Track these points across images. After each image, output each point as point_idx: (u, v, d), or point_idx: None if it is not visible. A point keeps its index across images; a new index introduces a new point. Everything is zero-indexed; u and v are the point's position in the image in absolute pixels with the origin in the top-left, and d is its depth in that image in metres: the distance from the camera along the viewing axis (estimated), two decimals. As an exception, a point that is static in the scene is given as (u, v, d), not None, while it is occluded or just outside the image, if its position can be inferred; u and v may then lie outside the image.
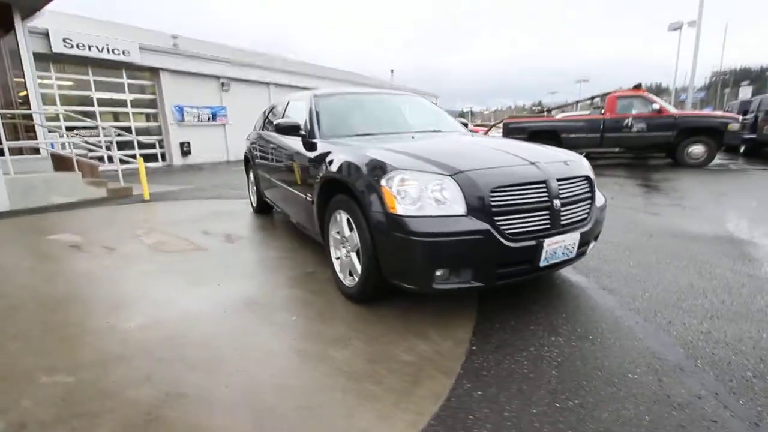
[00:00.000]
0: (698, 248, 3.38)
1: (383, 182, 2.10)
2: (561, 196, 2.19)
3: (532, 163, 2.27)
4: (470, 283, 2.05)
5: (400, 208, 2.02)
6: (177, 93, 15.49)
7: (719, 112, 9.88)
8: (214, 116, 17.10)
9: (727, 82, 47.83)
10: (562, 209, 2.20)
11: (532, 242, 2.07)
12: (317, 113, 3.28)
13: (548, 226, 2.15)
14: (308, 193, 3.00)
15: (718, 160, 10.29)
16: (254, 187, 5.11)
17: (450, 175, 2.07)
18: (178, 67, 15.24)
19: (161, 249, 3.75)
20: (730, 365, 1.78)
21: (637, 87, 9.59)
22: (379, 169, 2.18)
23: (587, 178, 2.42)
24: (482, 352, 1.95)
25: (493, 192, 2.03)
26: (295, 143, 3.36)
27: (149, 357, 1.96)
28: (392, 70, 32.13)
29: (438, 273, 2.00)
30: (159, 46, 14.67)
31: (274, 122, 3.39)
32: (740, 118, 8.95)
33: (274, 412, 1.57)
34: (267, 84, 19.23)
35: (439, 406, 1.60)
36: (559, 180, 2.21)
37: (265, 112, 5.12)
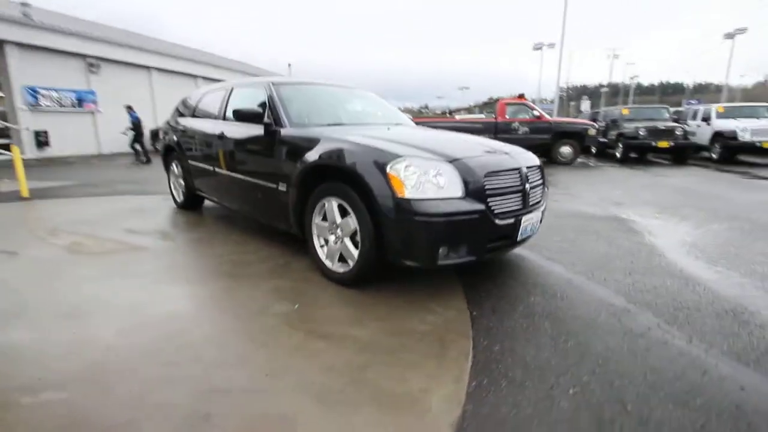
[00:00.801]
0: (598, 225, 4.22)
1: (389, 169, 2.23)
2: (529, 180, 2.60)
3: (506, 153, 2.63)
4: (466, 257, 2.31)
5: (408, 193, 2.18)
6: (29, 72, 12.78)
7: (582, 120, 12.07)
8: (79, 102, 14.55)
9: (571, 96, 58.14)
10: (530, 192, 2.61)
11: (512, 220, 2.43)
12: (281, 101, 3.19)
13: (521, 206, 2.53)
14: (279, 183, 2.93)
15: (579, 159, 12.56)
16: (181, 181, 4.64)
17: (449, 162, 2.30)
18: (31, 41, 12.60)
19: (84, 251, 3.22)
20: (658, 305, 2.37)
21: (521, 96, 11.16)
22: (383, 156, 2.29)
23: (540, 166, 2.89)
24: (483, 316, 2.22)
25: (487, 176, 2.32)
26: (252, 131, 3.22)
27: (156, 364, 1.77)
28: (290, 65, 31.21)
29: (441, 250, 2.22)
30: (2, 13, 11.90)
31: (233, 109, 3.19)
32: (596, 125, 11.10)
33: (334, 392, 1.61)
34: (148, 68, 17.03)
35: (471, 361, 1.81)
36: (527, 167, 2.61)
37: (188, 99, 4.70)
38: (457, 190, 2.25)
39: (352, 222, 2.43)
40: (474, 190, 2.27)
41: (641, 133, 10.78)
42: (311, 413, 1.48)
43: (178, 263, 3.00)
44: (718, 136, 10.81)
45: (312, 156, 2.63)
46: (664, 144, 10.56)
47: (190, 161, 4.28)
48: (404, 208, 2.17)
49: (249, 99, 3.71)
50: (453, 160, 2.31)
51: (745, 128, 10.15)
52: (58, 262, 2.96)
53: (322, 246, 2.74)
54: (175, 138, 4.57)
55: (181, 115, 4.63)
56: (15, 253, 3.14)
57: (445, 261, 2.25)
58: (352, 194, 2.39)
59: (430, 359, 1.82)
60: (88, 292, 2.46)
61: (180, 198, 4.78)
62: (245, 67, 25.21)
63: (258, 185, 3.19)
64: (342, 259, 2.59)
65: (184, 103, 4.82)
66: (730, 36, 24.31)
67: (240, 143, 3.42)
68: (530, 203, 2.60)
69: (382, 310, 2.30)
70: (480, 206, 2.26)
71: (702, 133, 11.32)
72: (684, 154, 10.77)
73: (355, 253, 2.46)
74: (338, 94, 3.81)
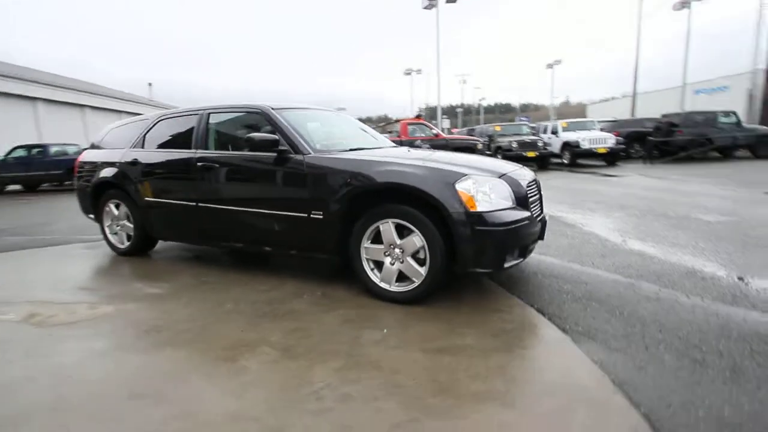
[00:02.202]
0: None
1: (458, 186, 2.43)
2: (539, 190, 3.09)
3: (521, 167, 3.07)
4: (519, 259, 2.64)
5: (479, 207, 2.42)
6: None
7: (470, 137, 13.81)
8: None
9: (431, 115, 65.48)
10: (540, 199, 3.09)
11: (540, 223, 2.86)
12: (292, 127, 3.08)
13: (540, 211, 2.99)
14: (312, 211, 2.84)
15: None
16: (126, 223, 3.94)
17: (499, 177, 2.61)
18: None
19: (49, 323, 2.54)
20: (645, 276, 3.06)
21: (418, 116, 12.28)
22: (449, 175, 2.49)
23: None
24: (544, 308, 2.56)
25: (527, 187, 2.70)
26: (259, 159, 3.05)
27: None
28: (150, 84, 27.79)
29: (508, 255, 2.51)
30: None
31: (246, 136, 2.94)
32: (482, 140, 12.88)
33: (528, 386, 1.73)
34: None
35: (573, 341, 2.13)
36: (535, 179, 3.10)
37: (122, 128, 4.07)
38: (510, 200, 2.57)
39: (417, 240, 2.53)
40: (520, 200, 2.63)
41: (514, 145, 12.89)
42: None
43: (206, 315, 2.62)
44: (566, 145, 13.61)
45: (363, 181, 2.65)
46: (531, 153, 12.81)
47: (148, 198, 3.68)
48: (477, 221, 2.40)
49: (238, 125, 3.47)
50: (501, 175, 2.64)
51: (584, 138, 13.03)
52: (31, 342, 2.29)
53: (372, 269, 2.75)
54: (115, 174, 3.88)
55: (126, 146, 3.94)
56: None
57: (508, 263, 2.54)
58: (416, 214, 2.51)
59: (544, 345, 2.08)
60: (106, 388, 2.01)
61: (123, 243, 4.03)
62: (101, 89, 21.75)
63: (276, 215, 3.00)
64: (401, 278, 2.66)
65: (114, 134, 4.14)
66: (550, 66, 30.99)
67: (243, 173, 3.18)
68: (542, 209, 3.09)
69: (458, 319, 2.45)
70: (527, 213, 2.62)
71: (555, 144, 14.10)
72: (545, 160, 13.23)
73: (421, 269, 2.56)
74: (332, 118, 3.81)
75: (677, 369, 1.87)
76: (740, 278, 2.94)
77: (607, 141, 13.00)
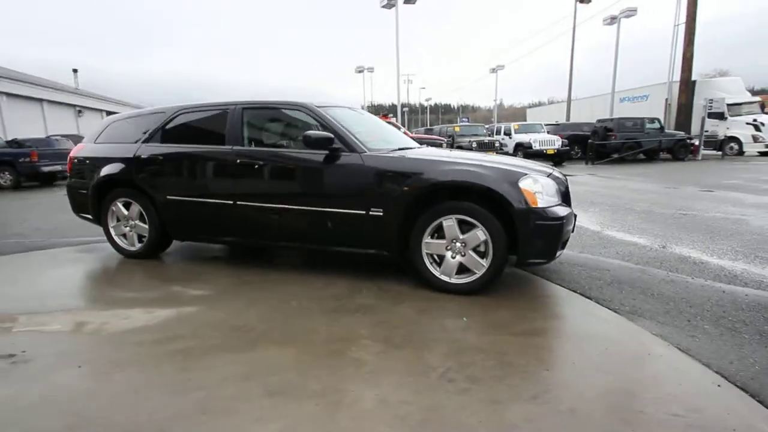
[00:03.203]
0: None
1: (522, 184, 2.68)
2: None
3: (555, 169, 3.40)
4: (562, 249, 2.95)
5: (540, 203, 2.68)
6: None
7: (434, 136, 14.28)
8: None
9: (376, 113, 66.14)
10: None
11: (574, 219, 3.21)
12: (342, 126, 3.12)
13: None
14: (371, 208, 2.92)
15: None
16: (139, 223, 3.69)
17: (548, 176, 2.90)
18: None
19: (110, 330, 2.39)
20: (650, 262, 3.55)
21: (386, 115, 12.47)
22: (512, 174, 2.72)
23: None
24: (586, 293, 2.90)
25: (565, 186, 3.02)
26: (310, 157, 3.07)
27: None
28: (75, 70, 24.91)
29: (558, 246, 2.80)
30: None
31: (304, 134, 2.93)
32: (445, 140, 13.40)
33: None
34: None
35: (627, 319, 2.47)
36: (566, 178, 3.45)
37: (133, 121, 3.80)
38: (557, 197, 2.87)
39: (481, 234, 2.74)
40: (564, 196, 2.95)
41: (474, 145, 13.61)
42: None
43: (277, 313, 2.60)
44: (519, 146, 14.64)
45: (430, 179, 2.79)
46: (490, 153, 13.63)
47: (170, 197, 3.49)
48: (538, 216, 2.66)
49: (276, 121, 3.44)
50: (548, 174, 2.93)
51: (535, 140, 14.12)
52: (116, 352, 2.15)
53: (431, 263, 2.91)
54: (126, 170, 3.61)
55: (139, 140, 3.67)
56: (16, 361, 2.08)
57: (557, 255, 2.84)
58: (480, 210, 2.71)
59: (606, 324, 2.40)
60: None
61: (134, 245, 3.77)
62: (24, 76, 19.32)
63: (329, 213, 3.04)
64: (461, 270, 2.85)
65: (117, 128, 3.85)
66: (494, 70, 32.87)
67: (291, 171, 3.16)
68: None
69: (522, 306, 2.71)
70: (570, 209, 2.94)
71: (509, 144, 15.09)
72: (502, 160, 14.15)
73: (484, 262, 2.78)
74: (363, 116, 3.86)
75: (719, 335, 2.27)
76: (724, 261, 3.53)
77: (555, 143, 14.20)
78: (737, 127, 15.84)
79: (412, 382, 1.84)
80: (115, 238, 3.83)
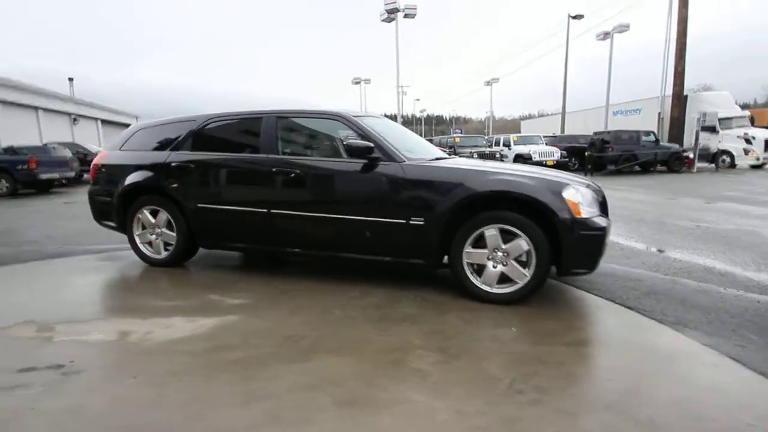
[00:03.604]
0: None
1: (565, 194, 2.71)
2: (598, 197, 3.48)
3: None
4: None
5: (583, 213, 2.71)
6: None
7: (438, 147, 14.39)
8: None
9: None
10: (597, 206, 3.49)
11: (605, 227, 3.24)
12: (378, 135, 3.13)
13: (600, 216, 3.38)
14: (411, 218, 2.92)
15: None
16: (166, 231, 3.63)
17: (587, 186, 2.93)
18: None
19: (156, 340, 2.33)
20: (671, 272, 3.59)
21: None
22: (555, 185, 2.74)
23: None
24: (623, 302, 2.93)
25: (603, 198, 3.05)
26: (348, 167, 3.07)
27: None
28: (71, 79, 24.66)
29: (599, 256, 2.82)
30: None
31: (346, 143, 2.94)
32: (447, 150, 13.52)
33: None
34: None
35: (671, 330, 2.49)
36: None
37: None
38: (597, 208, 2.90)
39: (524, 244, 2.75)
40: (602, 207, 2.98)
41: (475, 156, 13.75)
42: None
43: (323, 322, 2.57)
44: (519, 157, 14.82)
45: (474, 189, 2.79)
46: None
47: (201, 204, 3.45)
48: (582, 226, 2.68)
49: (311, 131, 3.44)
50: (587, 185, 2.97)
51: (535, 151, 14.32)
52: (170, 363, 2.09)
53: (471, 273, 2.91)
54: (155, 177, 3.57)
55: (168, 147, 3.63)
56: (67, 372, 2.01)
57: (598, 265, 2.86)
58: (524, 220, 2.73)
59: (655, 334, 2.41)
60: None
61: (160, 253, 3.71)
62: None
63: (368, 222, 3.03)
64: (502, 280, 2.85)
65: (144, 135, 3.82)
66: (488, 83, 33.43)
67: (329, 180, 3.15)
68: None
69: (566, 316, 2.72)
70: (608, 219, 2.97)
71: (508, 156, 15.28)
72: (502, 171, 14.31)
73: (526, 272, 2.78)
74: (394, 126, 3.87)
75: (767, 345, 2.30)
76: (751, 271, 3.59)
77: (554, 154, 14.42)
78: (729, 141, 16.25)
79: (481, 393, 1.83)
80: (140, 246, 3.77)
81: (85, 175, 16.24)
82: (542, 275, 2.76)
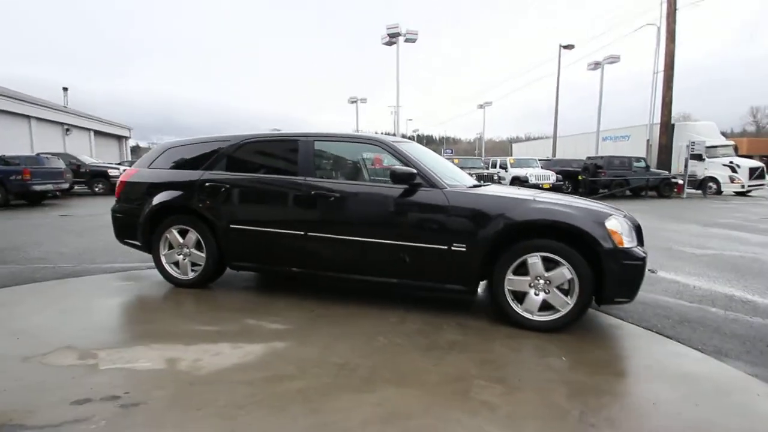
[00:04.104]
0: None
1: (608, 224, 2.77)
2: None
3: (614, 207, 3.53)
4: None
5: (625, 243, 2.77)
6: None
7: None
8: None
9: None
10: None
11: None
12: (418, 160, 3.18)
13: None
14: (453, 243, 2.94)
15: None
16: (194, 251, 3.58)
17: (624, 216, 3.01)
18: None
19: (209, 368, 2.26)
20: (704, 300, 3.67)
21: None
22: (597, 215, 2.81)
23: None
24: (646, 323, 2.97)
25: (638, 227, 3.13)
26: (390, 192, 3.10)
27: None
28: (66, 89, 24.36)
29: (639, 286, 2.87)
30: None
31: (391, 169, 2.97)
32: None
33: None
34: None
35: (713, 360, 2.53)
36: (623, 216, 3.57)
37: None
38: (634, 237, 2.97)
39: (566, 272, 2.79)
40: (638, 237, 3.05)
41: (474, 178, 13.96)
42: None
43: (369, 350, 2.54)
44: (515, 179, 15.10)
45: (516, 217, 2.84)
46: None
47: (234, 226, 3.41)
48: (625, 255, 2.74)
49: (349, 155, 3.46)
50: (624, 215, 3.04)
51: (532, 174, 14.62)
52: (240, 396, 2.03)
53: (513, 300, 2.92)
54: (186, 196, 3.53)
55: (201, 167, 3.60)
56: (125, 404, 1.93)
57: (637, 294, 2.91)
58: (567, 249, 2.77)
59: (700, 364, 2.45)
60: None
61: (187, 274, 3.63)
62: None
63: (408, 247, 3.04)
64: (543, 308, 2.87)
65: (174, 154, 3.80)
66: (481, 106, 34.31)
67: (370, 204, 3.17)
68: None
69: (610, 345, 2.76)
70: (644, 249, 3.04)
71: (506, 178, 15.55)
72: (500, 193, 14.55)
73: (569, 300, 2.81)
74: (428, 152, 3.90)
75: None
76: (768, 301, 3.69)
77: (550, 177, 14.73)
78: (715, 168, 16.88)
79: (555, 427, 1.82)
80: (166, 266, 3.69)
81: (76, 187, 16.02)
82: (585, 303, 2.79)
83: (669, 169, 17.91)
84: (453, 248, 2.96)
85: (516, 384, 2.18)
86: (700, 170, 17.00)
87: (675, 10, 17.15)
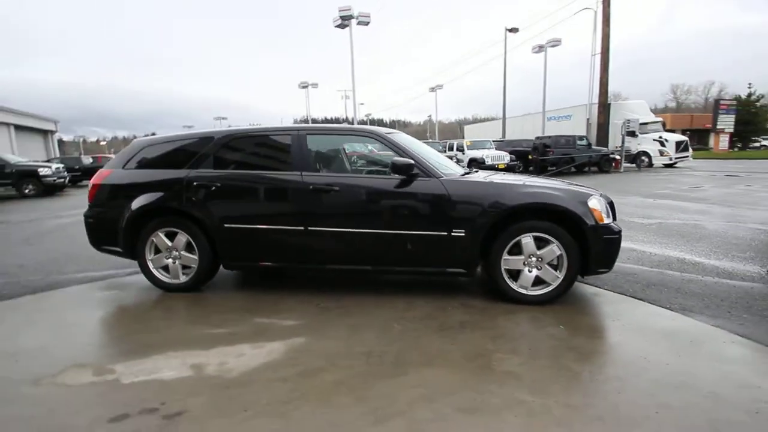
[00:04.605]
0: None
1: (590, 203, 3.06)
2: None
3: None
4: (612, 259, 3.38)
5: (605, 219, 3.08)
6: None
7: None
8: None
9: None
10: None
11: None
12: (413, 151, 3.29)
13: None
14: (453, 229, 3.10)
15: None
16: (185, 254, 3.46)
17: (600, 195, 3.32)
18: None
19: (238, 370, 2.27)
20: (661, 265, 4.15)
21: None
22: (580, 195, 3.09)
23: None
24: (640, 296, 3.35)
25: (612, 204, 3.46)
26: (387, 183, 3.21)
27: None
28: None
29: (616, 257, 3.21)
30: None
31: (392, 160, 3.04)
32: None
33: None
34: None
35: (682, 316, 2.93)
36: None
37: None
38: (610, 214, 3.30)
39: (556, 249, 3.06)
40: (612, 213, 3.38)
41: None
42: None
43: (389, 337, 2.65)
44: (472, 161, 15.65)
45: (512, 201, 3.04)
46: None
47: (229, 225, 3.34)
48: (605, 231, 3.05)
49: (341, 147, 3.48)
50: (601, 194, 3.35)
51: (488, 155, 15.23)
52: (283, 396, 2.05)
53: (509, 278, 3.16)
54: (174, 197, 3.39)
55: (186, 165, 3.45)
56: (167, 415, 1.89)
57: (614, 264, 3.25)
58: (556, 228, 3.04)
59: (673, 321, 2.82)
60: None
61: (179, 277, 3.51)
62: None
63: (410, 235, 3.17)
64: (535, 283, 3.14)
65: (153, 152, 3.61)
66: (433, 89, 34.76)
67: (369, 196, 3.23)
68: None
69: (597, 312, 3.07)
70: (617, 223, 3.39)
71: (464, 160, 16.06)
72: (458, 175, 15.04)
73: (558, 274, 3.09)
74: (417, 142, 3.98)
75: (759, 321, 2.79)
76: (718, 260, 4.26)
77: (504, 158, 15.43)
78: (647, 144, 18.53)
79: (576, 388, 2.06)
80: (154, 271, 3.54)
81: (2, 189, 14.41)
82: (573, 276, 3.09)
83: (606, 146, 19.38)
84: (453, 234, 3.12)
85: (529, 353, 2.41)
86: (634, 146, 18.57)
87: (609, -6, 18.30)
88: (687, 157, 18.82)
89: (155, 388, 2.09)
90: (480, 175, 3.49)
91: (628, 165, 18.28)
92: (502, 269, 3.14)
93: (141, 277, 3.76)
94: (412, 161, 3.15)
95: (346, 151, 3.83)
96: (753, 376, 2.14)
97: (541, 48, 21.52)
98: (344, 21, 19.21)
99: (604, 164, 16.83)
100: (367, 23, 19.43)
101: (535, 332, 2.72)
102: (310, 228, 3.27)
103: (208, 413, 1.89)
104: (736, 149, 32.72)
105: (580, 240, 3.05)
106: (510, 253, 3.14)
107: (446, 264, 3.23)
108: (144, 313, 3.20)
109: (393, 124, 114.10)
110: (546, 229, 3.06)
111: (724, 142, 27.97)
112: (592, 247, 3.05)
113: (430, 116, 40.94)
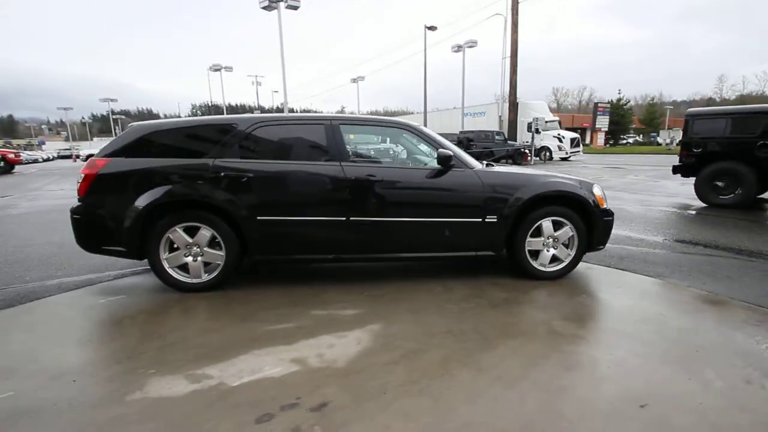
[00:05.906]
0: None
1: (595, 191, 3.59)
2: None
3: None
4: (601, 238, 4.00)
5: (605, 204, 3.64)
6: None
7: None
8: None
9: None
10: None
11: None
12: (447, 143, 3.49)
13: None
14: (487, 216, 3.40)
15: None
16: (209, 250, 3.20)
17: (596, 184, 3.90)
18: None
19: (335, 365, 2.27)
20: (632, 243, 4.98)
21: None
22: (588, 185, 3.60)
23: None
24: (642, 272, 4.02)
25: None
26: (424, 173, 3.41)
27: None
28: None
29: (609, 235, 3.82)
30: None
31: (438, 152, 3.20)
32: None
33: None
34: None
35: (661, 282, 3.65)
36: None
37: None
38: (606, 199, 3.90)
39: (569, 231, 3.55)
40: (606, 200, 4.00)
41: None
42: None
43: (445, 321, 2.84)
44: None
45: (536, 190, 3.43)
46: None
47: (262, 217, 3.17)
48: (605, 214, 3.63)
49: (372, 138, 3.52)
50: (596, 183, 3.94)
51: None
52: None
53: (531, 257, 3.56)
54: (196, 188, 3.11)
55: (207, 155, 3.17)
56: (323, 413, 1.82)
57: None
58: (570, 212, 3.52)
59: (660, 286, 3.50)
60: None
61: (200, 276, 3.23)
62: None
63: (448, 222, 3.39)
64: (552, 260, 3.60)
65: (161, 137, 3.26)
66: (354, 81, 34.72)
67: (411, 186, 3.36)
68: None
69: (603, 280, 3.64)
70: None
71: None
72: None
73: (570, 251, 3.59)
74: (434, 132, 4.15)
75: (714, 280, 3.61)
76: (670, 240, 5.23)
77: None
78: (548, 140, 21.15)
79: (624, 343, 2.50)
80: (170, 270, 3.20)
81: None
82: (581, 254, 3.62)
83: (515, 141, 21.67)
84: (486, 220, 3.42)
85: (577, 318, 2.82)
86: (537, 141, 21.07)
87: (518, 3, 20.29)
88: (578, 151, 21.97)
89: (272, 387, 2.01)
90: (502, 168, 3.84)
91: (534, 158, 20.70)
92: (526, 250, 3.54)
93: (135, 279, 3.42)
94: (451, 153, 3.35)
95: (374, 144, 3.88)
96: (722, 321, 2.82)
97: (459, 47, 23.08)
98: (272, 3, 18.15)
99: (517, 157, 18.81)
100: (296, 7, 18.61)
101: (568, 301, 3.16)
102: (352, 218, 3.29)
103: (352, 400, 1.90)
104: (609, 145, 39.00)
105: (586, 222, 3.59)
106: (532, 235, 3.55)
107: (479, 248, 3.51)
108: (180, 316, 2.90)
109: (306, 113, 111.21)
110: (563, 213, 3.53)
111: (601, 139, 33.09)
112: (595, 227, 3.60)
113: (343, 107, 40.89)
